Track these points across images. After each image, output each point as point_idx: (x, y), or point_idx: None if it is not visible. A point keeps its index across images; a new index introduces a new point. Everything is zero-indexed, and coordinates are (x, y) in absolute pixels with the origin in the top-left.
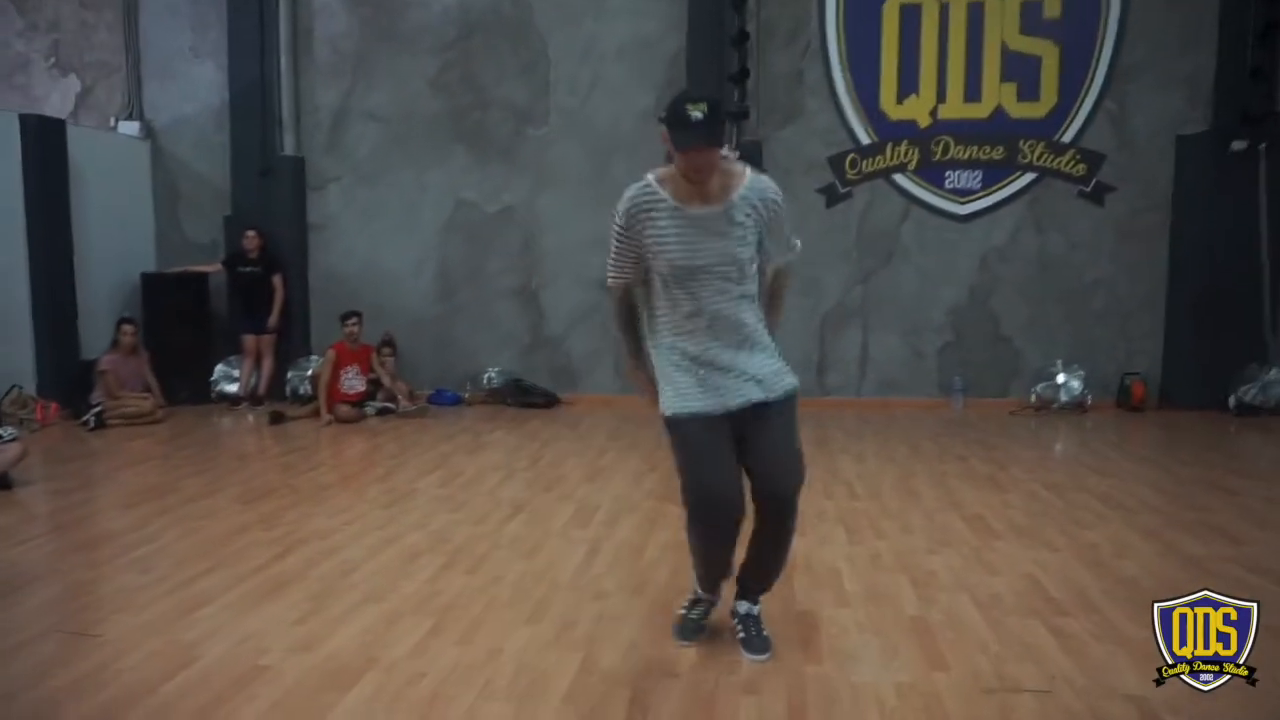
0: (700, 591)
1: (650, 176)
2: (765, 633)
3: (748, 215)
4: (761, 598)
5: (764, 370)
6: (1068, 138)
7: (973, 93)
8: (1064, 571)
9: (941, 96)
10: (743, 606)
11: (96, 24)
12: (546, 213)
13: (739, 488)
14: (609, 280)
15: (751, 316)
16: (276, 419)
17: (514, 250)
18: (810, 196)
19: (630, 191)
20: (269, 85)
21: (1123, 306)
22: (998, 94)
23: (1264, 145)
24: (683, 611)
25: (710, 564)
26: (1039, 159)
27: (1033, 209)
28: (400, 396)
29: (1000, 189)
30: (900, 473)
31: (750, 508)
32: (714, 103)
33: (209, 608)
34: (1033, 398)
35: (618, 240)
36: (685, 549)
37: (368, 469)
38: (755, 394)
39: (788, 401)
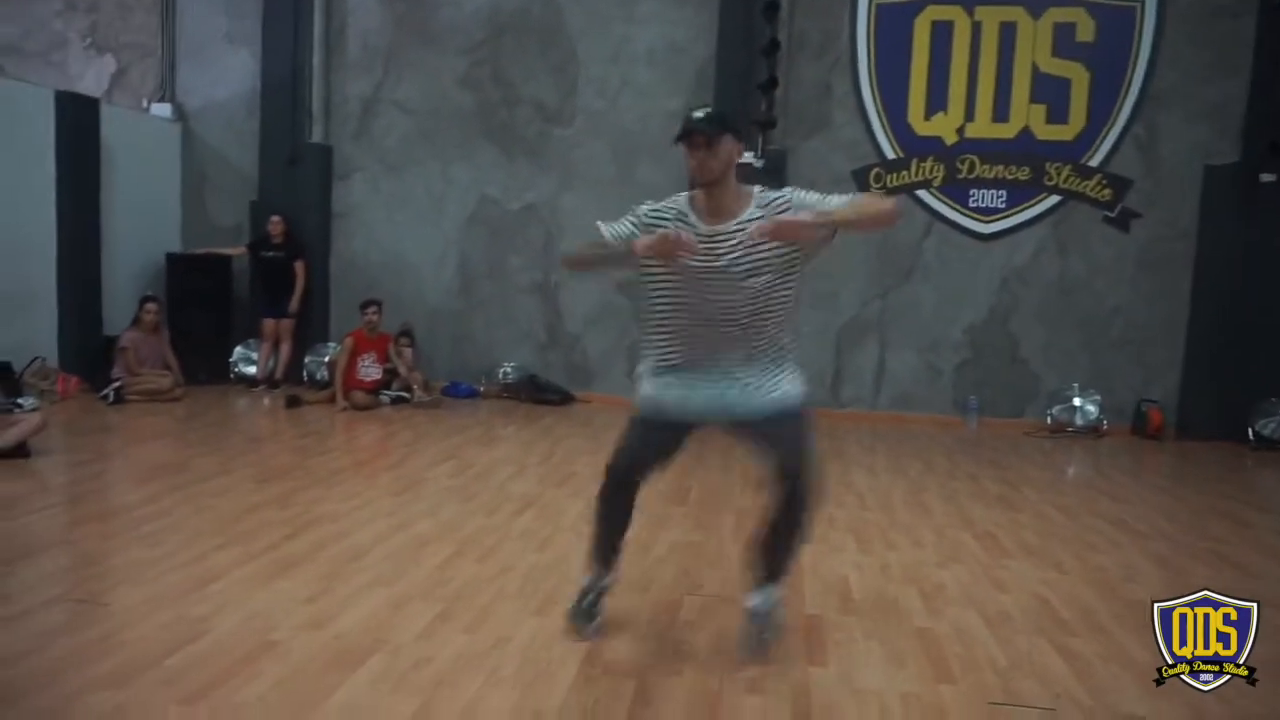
0: (590, 578)
1: (682, 195)
2: (767, 636)
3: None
4: (775, 600)
5: (746, 391)
6: (1095, 162)
7: (1001, 112)
8: (1073, 593)
9: (970, 115)
10: (754, 599)
11: (134, 6)
12: (569, 212)
13: (648, 474)
14: (598, 228)
15: (754, 342)
16: (293, 402)
17: (535, 248)
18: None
19: (664, 201)
20: (300, 74)
21: (1142, 334)
22: (1026, 115)
23: None
24: (574, 603)
25: (610, 524)
26: (1065, 182)
27: (1056, 232)
28: (416, 386)
29: (1024, 210)
30: (912, 487)
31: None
32: (721, 109)
33: (219, 583)
34: (1048, 420)
35: (631, 218)
36: (692, 549)
37: (380, 456)
38: (729, 415)
39: (783, 417)
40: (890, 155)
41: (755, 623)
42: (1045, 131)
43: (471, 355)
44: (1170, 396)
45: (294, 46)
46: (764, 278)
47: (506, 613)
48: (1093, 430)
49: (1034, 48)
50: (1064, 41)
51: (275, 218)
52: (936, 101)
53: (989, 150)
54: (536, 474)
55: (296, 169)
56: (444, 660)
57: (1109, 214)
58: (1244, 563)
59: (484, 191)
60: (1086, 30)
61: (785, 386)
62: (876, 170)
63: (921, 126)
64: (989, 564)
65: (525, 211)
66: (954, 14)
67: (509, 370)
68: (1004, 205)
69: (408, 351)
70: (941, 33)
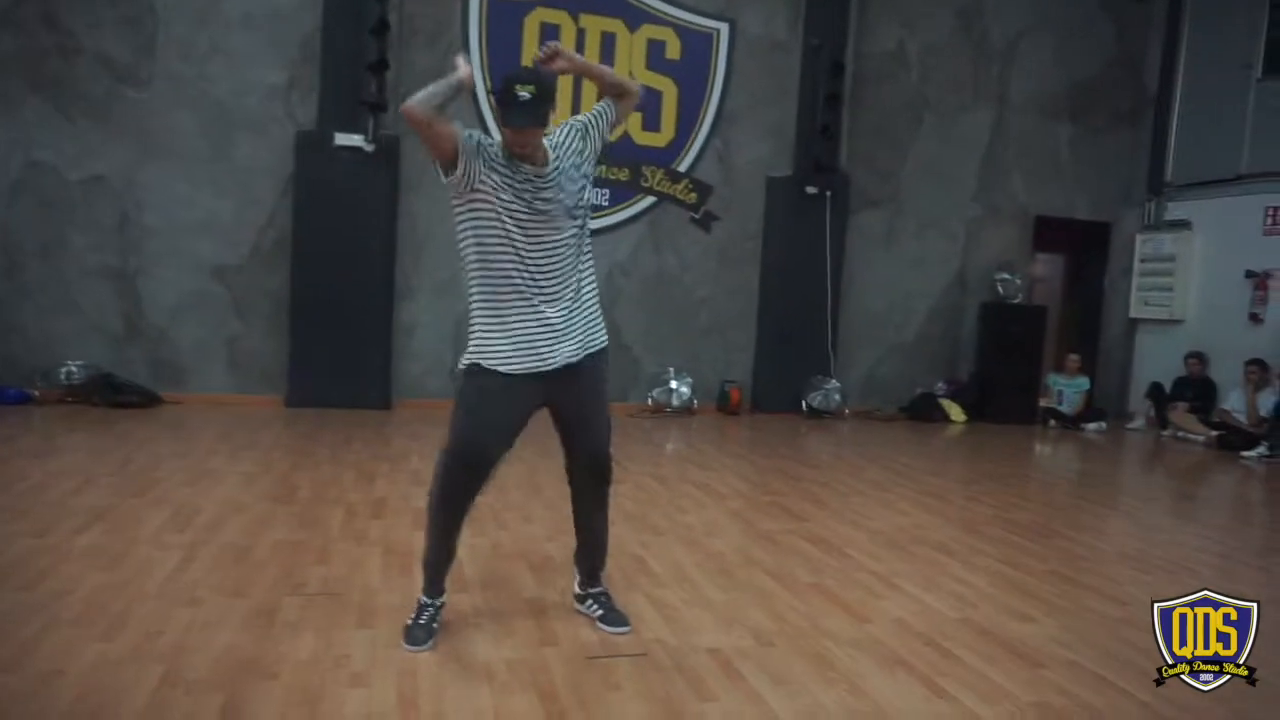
0: (427, 598)
1: (494, 137)
2: (619, 606)
3: (573, 154)
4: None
5: (583, 328)
6: (683, 168)
7: None
8: (664, 550)
9: (576, 114)
10: (595, 587)
11: None
12: (150, 187)
13: (505, 446)
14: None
15: (579, 269)
16: None
17: (107, 226)
18: (445, 198)
19: (477, 133)
20: None
21: (723, 322)
22: (626, 121)
23: (830, 192)
24: (409, 622)
25: (448, 536)
26: (659, 184)
27: (652, 230)
28: None
29: (625, 208)
30: (526, 470)
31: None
32: (544, 85)
33: None
34: (649, 402)
35: (465, 135)
36: (297, 548)
37: None
38: (571, 356)
39: (601, 356)
40: None
41: (602, 600)
42: (642, 138)
43: (21, 352)
44: (746, 377)
45: None
46: (580, 196)
47: (59, 643)
48: (686, 409)
49: (630, 59)
50: (656, 57)
51: None
52: None
53: None
54: (109, 485)
55: None
56: None
57: (695, 215)
58: (797, 510)
59: (33, 156)
60: (674, 49)
61: (601, 332)
62: None
63: None
64: None
65: (92, 183)
66: (561, 18)
67: (74, 369)
68: (608, 203)
69: None
70: (549, 34)
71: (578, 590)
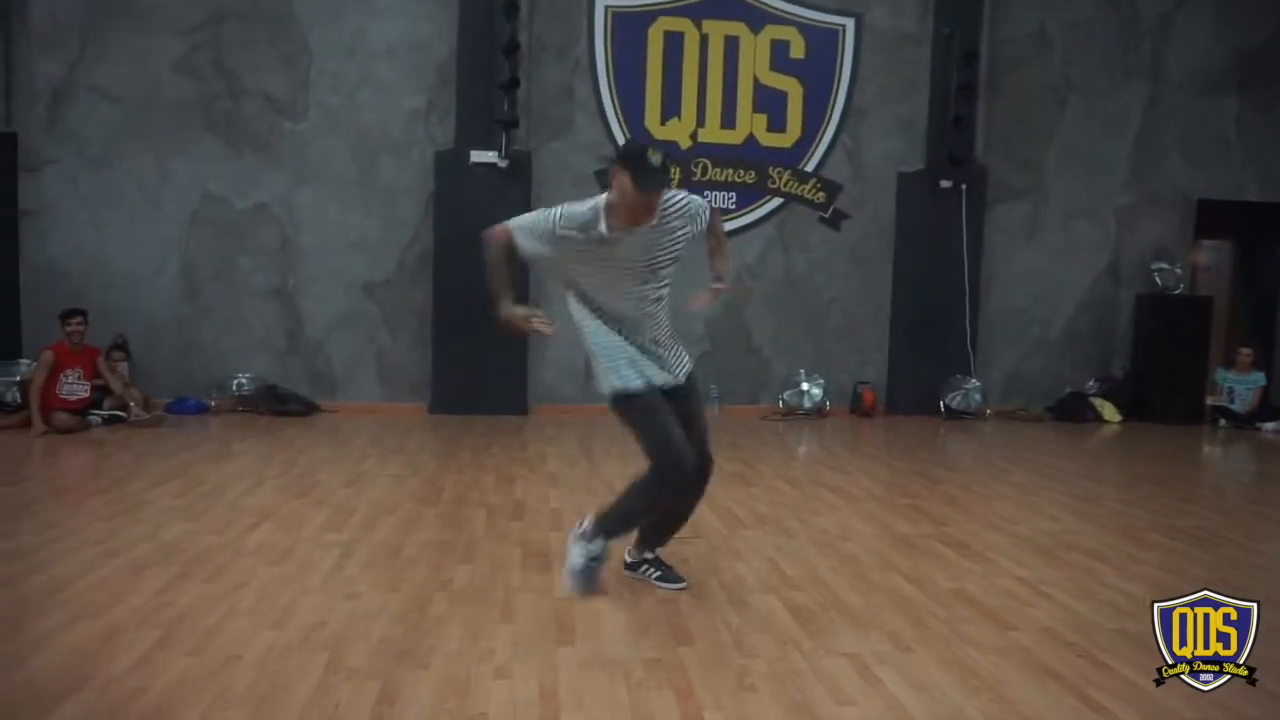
0: (603, 546)
1: (600, 200)
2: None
3: (676, 229)
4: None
5: (678, 359)
6: (810, 167)
7: (728, 120)
8: (798, 553)
9: (701, 120)
10: (652, 554)
11: None
12: (306, 211)
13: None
14: (514, 235)
15: (664, 316)
16: None
17: (270, 249)
18: None
19: (584, 208)
20: None
21: (855, 322)
22: (750, 123)
23: (965, 185)
24: (591, 563)
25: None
26: (786, 185)
27: (780, 231)
28: (133, 404)
29: (752, 210)
30: None
31: None
32: (665, 152)
33: None
34: (780, 404)
35: (545, 229)
36: (444, 547)
37: (88, 481)
38: (675, 378)
39: (694, 380)
40: None
41: (660, 564)
42: (767, 139)
43: (199, 367)
44: (880, 377)
45: None
46: (667, 259)
47: (237, 630)
48: (818, 411)
49: (754, 61)
50: (780, 57)
51: None
52: (671, 107)
53: (719, 155)
54: (275, 486)
55: None
56: (161, 688)
57: (823, 215)
58: (935, 514)
59: (207, 188)
60: (798, 48)
61: (688, 360)
62: None
63: (658, 130)
64: (727, 535)
65: (256, 210)
66: (684, 25)
67: (244, 381)
68: (734, 206)
69: (122, 366)
70: (673, 42)
71: (630, 559)
